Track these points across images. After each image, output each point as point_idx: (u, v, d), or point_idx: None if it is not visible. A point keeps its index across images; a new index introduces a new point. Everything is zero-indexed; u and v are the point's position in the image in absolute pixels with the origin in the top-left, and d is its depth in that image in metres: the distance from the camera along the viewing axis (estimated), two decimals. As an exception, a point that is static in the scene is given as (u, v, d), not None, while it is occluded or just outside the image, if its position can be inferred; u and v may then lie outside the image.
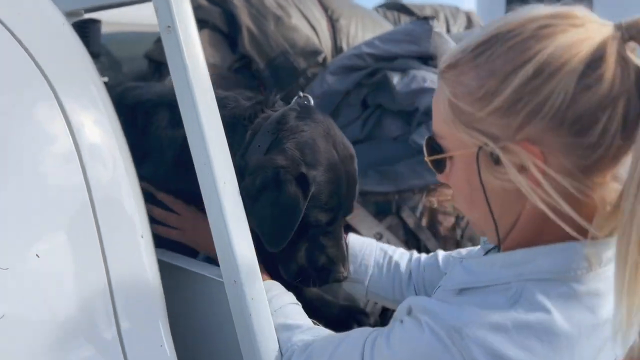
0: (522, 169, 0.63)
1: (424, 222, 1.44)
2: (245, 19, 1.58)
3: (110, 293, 0.79)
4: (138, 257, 0.84)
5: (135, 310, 0.81)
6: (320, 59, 1.60)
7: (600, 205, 0.64)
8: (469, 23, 2.39)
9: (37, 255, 0.73)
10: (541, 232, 0.67)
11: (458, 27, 2.33)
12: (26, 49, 0.80)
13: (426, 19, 1.54)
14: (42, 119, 0.80)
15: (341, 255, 1.00)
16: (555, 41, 0.61)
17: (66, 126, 0.80)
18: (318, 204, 0.96)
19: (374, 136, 1.55)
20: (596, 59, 0.60)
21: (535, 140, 0.62)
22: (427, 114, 1.43)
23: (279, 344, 0.86)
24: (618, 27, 0.62)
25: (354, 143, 1.54)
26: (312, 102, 1.09)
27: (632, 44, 0.62)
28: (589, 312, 0.65)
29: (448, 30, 2.22)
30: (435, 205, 1.44)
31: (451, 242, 1.41)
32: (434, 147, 0.72)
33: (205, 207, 0.88)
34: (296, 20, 1.66)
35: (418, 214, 1.43)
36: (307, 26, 1.68)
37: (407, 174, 1.44)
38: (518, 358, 0.62)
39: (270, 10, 1.60)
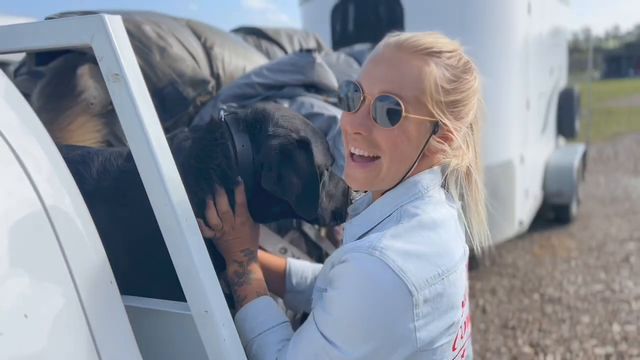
0: (444, 138, 0.92)
1: (322, 232, 1.59)
2: (128, 50, 1.56)
3: (94, 343, 0.80)
4: (111, 303, 0.85)
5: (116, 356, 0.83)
6: (210, 87, 1.66)
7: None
8: (319, 45, 2.63)
9: (25, 316, 0.71)
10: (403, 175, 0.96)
11: (310, 47, 2.55)
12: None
13: (309, 51, 1.70)
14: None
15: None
16: (475, 72, 0.95)
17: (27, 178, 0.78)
18: (319, 152, 1.12)
19: (266, 158, 1.65)
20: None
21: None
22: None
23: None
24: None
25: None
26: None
27: None
28: (450, 207, 0.97)
29: (301, 51, 2.43)
30: (331, 217, 1.61)
31: (349, 247, 1.59)
32: (397, 104, 0.88)
33: (168, 245, 0.91)
34: (177, 49, 1.69)
35: (317, 226, 1.58)
36: (187, 54, 1.72)
37: (303, 191, 1.58)
38: (413, 249, 0.87)
39: (153, 41, 1.61)
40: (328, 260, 0.96)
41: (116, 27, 0.90)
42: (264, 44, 2.33)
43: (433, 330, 0.87)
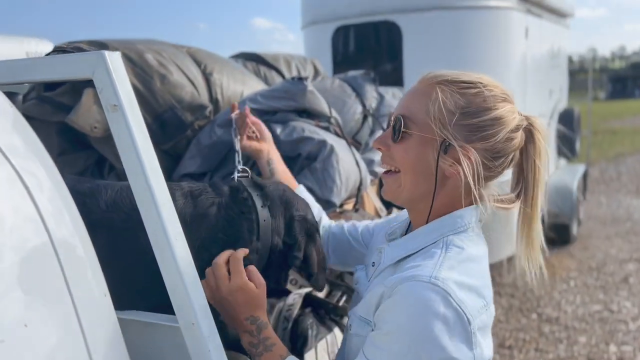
0: (457, 160, 0.99)
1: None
2: (130, 77, 1.66)
3: (87, 351, 0.87)
4: (105, 315, 0.92)
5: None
6: (207, 112, 1.75)
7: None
8: (316, 70, 2.73)
9: (25, 325, 0.79)
10: (446, 206, 1.03)
11: (307, 73, 2.65)
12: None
13: (301, 79, 1.79)
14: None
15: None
16: (507, 106, 1.02)
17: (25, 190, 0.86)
18: None
19: (260, 179, 1.74)
20: (518, 126, 1.03)
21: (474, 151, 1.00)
22: (309, 158, 1.67)
23: None
24: (520, 113, 1.05)
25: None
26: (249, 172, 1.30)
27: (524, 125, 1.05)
28: (484, 244, 1.05)
29: (293, 79, 2.53)
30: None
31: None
32: (405, 124, 1.01)
33: (158, 260, 0.99)
34: (177, 76, 1.79)
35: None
36: (187, 81, 1.82)
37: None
38: (466, 280, 0.94)
39: (154, 69, 1.70)
40: (374, 290, 0.99)
41: (115, 62, 0.99)
42: (263, 69, 2.43)
43: (485, 357, 0.94)
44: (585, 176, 6.72)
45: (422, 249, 1.02)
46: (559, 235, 5.89)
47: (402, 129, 1.01)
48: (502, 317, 4.19)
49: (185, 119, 1.71)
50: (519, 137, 1.03)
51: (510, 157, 1.04)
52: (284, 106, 1.72)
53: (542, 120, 1.08)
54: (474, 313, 0.91)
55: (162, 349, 1.05)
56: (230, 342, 1.14)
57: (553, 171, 6.14)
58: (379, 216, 1.98)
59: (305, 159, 1.67)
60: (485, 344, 0.94)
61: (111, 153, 1.69)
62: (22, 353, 0.78)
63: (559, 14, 6.06)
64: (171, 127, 1.71)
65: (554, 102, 6.09)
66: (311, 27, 4.74)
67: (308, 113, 1.78)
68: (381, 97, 2.26)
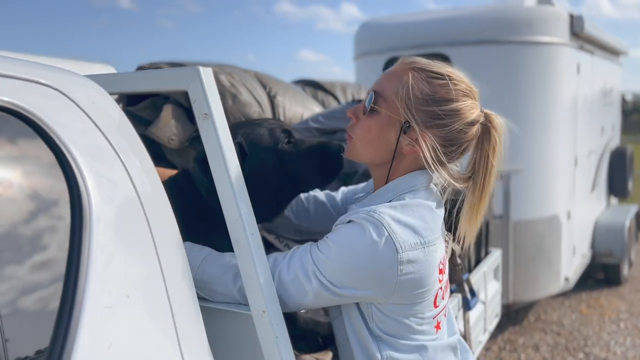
0: (415, 141, 1.13)
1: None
2: (205, 95, 1.82)
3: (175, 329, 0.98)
4: (193, 296, 1.04)
5: (193, 344, 1.01)
6: (272, 130, 1.89)
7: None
8: (370, 97, 2.85)
9: (127, 296, 0.91)
10: (401, 173, 1.18)
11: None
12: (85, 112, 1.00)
13: (360, 101, 1.92)
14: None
15: None
16: (468, 101, 1.15)
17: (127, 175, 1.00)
18: None
19: (318, 194, 1.85)
20: (475, 120, 1.15)
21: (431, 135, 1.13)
22: (364, 175, 1.78)
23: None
24: (482, 110, 1.18)
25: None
26: None
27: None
28: (436, 201, 1.18)
29: (353, 101, 2.65)
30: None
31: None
32: (376, 100, 1.15)
33: (236, 253, 1.10)
34: (246, 96, 1.94)
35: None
36: (254, 101, 1.97)
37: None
38: (404, 218, 1.09)
39: (227, 89, 1.86)
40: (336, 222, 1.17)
41: (207, 76, 1.13)
42: (320, 94, 2.57)
43: (412, 287, 1.08)
44: (638, 217, 6.53)
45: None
46: (608, 275, 5.73)
47: (372, 104, 1.14)
48: (548, 355, 4.10)
49: (252, 135, 1.85)
50: (475, 130, 1.15)
51: (464, 146, 1.16)
52: (344, 126, 1.84)
53: (502, 119, 1.19)
54: (406, 245, 1.05)
55: (233, 334, 1.16)
56: (298, 337, 1.23)
57: (603, 209, 6.02)
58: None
59: (361, 176, 1.77)
60: (416, 276, 1.07)
61: (184, 164, 1.84)
62: (126, 318, 0.89)
63: (612, 52, 6.03)
64: (239, 142, 1.84)
65: (605, 139, 6.01)
66: (363, 58, 4.90)
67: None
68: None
